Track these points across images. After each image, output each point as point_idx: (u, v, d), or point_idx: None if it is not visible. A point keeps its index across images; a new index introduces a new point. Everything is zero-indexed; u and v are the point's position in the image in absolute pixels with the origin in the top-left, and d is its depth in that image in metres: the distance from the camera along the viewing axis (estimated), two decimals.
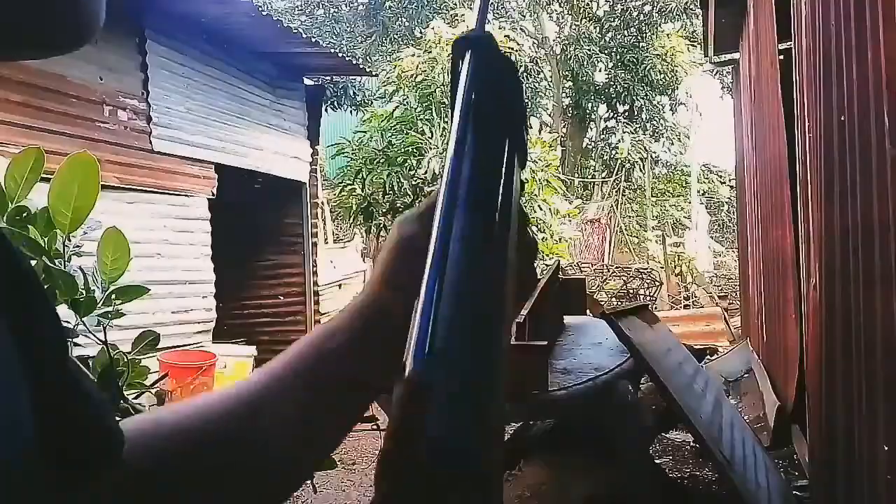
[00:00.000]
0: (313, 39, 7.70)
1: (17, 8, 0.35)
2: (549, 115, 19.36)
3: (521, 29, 18.48)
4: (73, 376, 0.47)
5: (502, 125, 0.44)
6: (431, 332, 0.32)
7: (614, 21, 18.41)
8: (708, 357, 5.99)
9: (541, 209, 10.69)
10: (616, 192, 14.22)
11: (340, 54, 8.18)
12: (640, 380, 2.87)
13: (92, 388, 0.49)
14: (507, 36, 11.32)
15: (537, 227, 10.79)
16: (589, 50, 17.29)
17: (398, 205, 9.58)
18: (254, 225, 8.61)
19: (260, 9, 6.47)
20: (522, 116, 0.47)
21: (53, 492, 0.42)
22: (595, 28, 18.33)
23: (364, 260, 10.58)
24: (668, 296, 11.39)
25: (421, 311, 0.33)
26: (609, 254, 12.24)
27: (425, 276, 0.35)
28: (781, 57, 3.94)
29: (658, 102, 18.22)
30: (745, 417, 4.00)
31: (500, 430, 0.37)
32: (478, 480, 0.31)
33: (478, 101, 0.42)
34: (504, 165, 0.42)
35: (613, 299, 10.02)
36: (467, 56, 0.44)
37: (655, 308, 8.54)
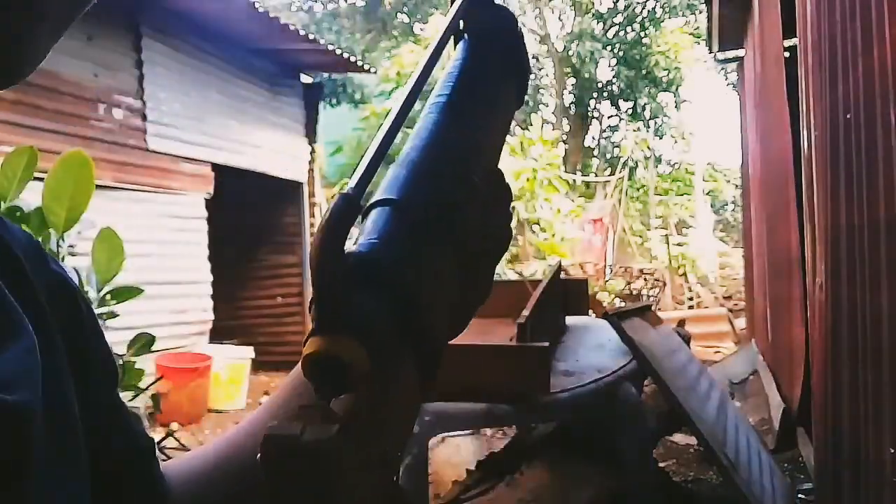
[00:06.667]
0: (311, 36, 7.62)
1: None
2: (552, 113, 19.33)
3: (522, 25, 18.42)
4: (124, 413, 0.45)
5: (497, 53, 0.45)
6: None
7: (617, 17, 18.36)
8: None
9: (542, 208, 10.65)
10: (619, 191, 14.18)
11: (339, 51, 8.12)
12: (643, 382, 2.83)
13: (140, 430, 0.46)
14: None
15: (539, 226, 10.75)
16: (591, 46, 17.23)
17: None
18: (251, 225, 8.57)
19: (256, 5, 6.41)
20: (521, 51, 0.47)
21: None
22: (598, 24, 18.27)
23: None
24: (672, 296, 11.34)
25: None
26: (612, 254, 12.20)
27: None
28: (787, 53, 3.90)
29: (661, 100, 18.18)
30: (750, 419, 3.96)
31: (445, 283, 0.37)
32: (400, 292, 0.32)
33: (473, 32, 0.45)
34: (491, 82, 0.44)
35: (616, 300, 9.99)
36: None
37: (659, 309, 8.50)
